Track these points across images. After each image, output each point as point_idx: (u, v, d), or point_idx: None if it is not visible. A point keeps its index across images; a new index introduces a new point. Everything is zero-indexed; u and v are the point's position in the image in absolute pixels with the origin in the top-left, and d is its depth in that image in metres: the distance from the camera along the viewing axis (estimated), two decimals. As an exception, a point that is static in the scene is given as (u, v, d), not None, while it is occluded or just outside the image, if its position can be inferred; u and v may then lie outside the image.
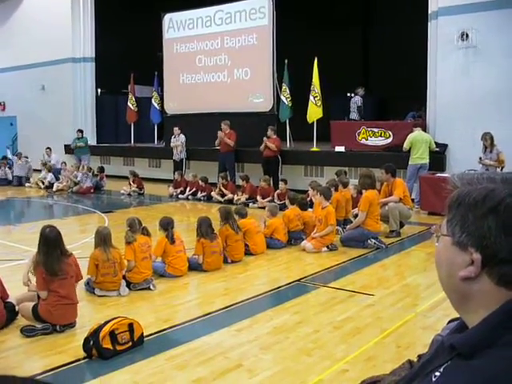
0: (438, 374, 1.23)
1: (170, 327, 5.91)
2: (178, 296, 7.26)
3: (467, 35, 13.20)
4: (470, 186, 1.29)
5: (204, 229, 8.24)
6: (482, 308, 1.23)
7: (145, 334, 5.49)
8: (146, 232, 7.68)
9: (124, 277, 7.19)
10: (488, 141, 11.98)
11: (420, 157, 13.14)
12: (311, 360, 5.06)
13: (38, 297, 5.81)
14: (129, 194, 16.59)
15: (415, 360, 1.78)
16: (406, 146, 13.24)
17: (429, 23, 14.39)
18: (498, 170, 11.91)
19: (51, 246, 5.81)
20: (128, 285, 7.17)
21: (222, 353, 5.21)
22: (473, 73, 13.37)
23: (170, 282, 7.60)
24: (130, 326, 5.28)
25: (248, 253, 8.97)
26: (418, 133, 13.35)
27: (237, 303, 6.70)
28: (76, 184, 17.29)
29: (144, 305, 6.74)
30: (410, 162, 13.27)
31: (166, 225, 8.01)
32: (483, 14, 13.11)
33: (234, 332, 5.78)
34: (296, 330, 5.77)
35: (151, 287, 7.27)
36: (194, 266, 8.09)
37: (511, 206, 1.21)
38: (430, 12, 14.31)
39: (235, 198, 14.46)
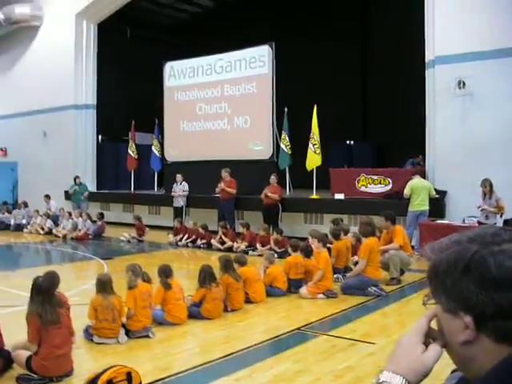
0: None
1: (169, 376, 5.81)
2: (177, 344, 7.17)
3: (464, 83, 13.38)
4: (441, 254, 1.32)
5: (206, 276, 8.21)
6: (486, 368, 1.23)
7: (143, 383, 5.40)
8: (146, 278, 7.63)
9: (123, 324, 7.12)
10: (487, 187, 12.01)
11: (420, 203, 13.16)
12: (312, 410, 4.98)
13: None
14: (128, 241, 16.55)
15: None
16: (406, 192, 13.27)
17: (426, 71, 14.61)
18: (498, 216, 11.93)
19: (45, 294, 5.73)
20: (127, 332, 7.09)
21: (222, 402, 5.13)
22: (470, 120, 13.50)
23: (169, 330, 7.51)
24: (129, 374, 5.20)
25: (248, 301, 8.90)
26: (417, 180, 13.41)
27: (236, 352, 6.60)
28: (75, 230, 17.25)
29: (143, 353, 6.65)
30: (409, 209, 13.29)
31: (163, 272, 7.99)
32: (479, 62, 13.32)
33: (233, 381, 5.69)
34: (296, 379, 5.68)
35: (150, 335, 7.19)
36: (194, 314, 8.02)
37: (480, 262, 1.23)
38: (427, 60, 14.53)
39: (235, 245, 14.42)
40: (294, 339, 7.14)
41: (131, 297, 7.27)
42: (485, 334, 1.22)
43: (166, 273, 7.98)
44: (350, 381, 5.65)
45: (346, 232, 11.58)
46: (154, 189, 20.85)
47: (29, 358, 5.64)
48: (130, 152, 20.90)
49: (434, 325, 1.38)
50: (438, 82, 14.04)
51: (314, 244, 9.96)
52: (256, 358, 6.41)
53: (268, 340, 7.14)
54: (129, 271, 7.48)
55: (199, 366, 6.14)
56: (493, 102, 13.17)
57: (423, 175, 14.27)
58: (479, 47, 13.29)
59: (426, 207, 13.21)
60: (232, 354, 6.54)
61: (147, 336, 7.17)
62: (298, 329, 7.55)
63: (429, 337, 1.38)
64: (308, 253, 10.00)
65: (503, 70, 13.15)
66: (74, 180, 20.03)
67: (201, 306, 8.08)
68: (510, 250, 1.23)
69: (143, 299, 7.34)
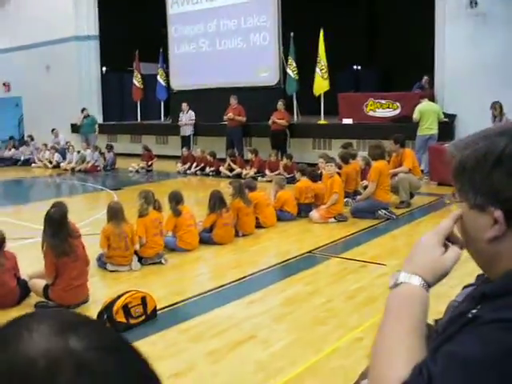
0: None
1: (183, 300, 5.91)
2: (190, 269, 7.27)
3: (476, 2, 13.02)
4: (467, 151, 1.30)
5: (216, 202, 8.23)
6: None
7: (158, 308, 5.49)
8: (158, 206, 7.65)
9: (135, 252, 7.19)
10: (497, 109, 11.86)
11: (429, 127, 13.01)
12: (325, 329, 5.06)
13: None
14: (137, 171, 16.58)
15: (432, 324, 1.76)
16: (415, 116, 13.08)
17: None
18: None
19: (57, 226, 5.76)
20: (140, 259, 7.17)
21: (235, 325, 5.21)
22: (482, 41, 13.17)
23: (181, 256, 7.59)
24: (143, 299, 5.28)
25: (258, 226, 8.95)
26: (426, 103, 13.21)
27: (248, 275, 6.68)
28: (83, 162, 17.26)
29: (156, 279, 6.74)
30: (418, 133, 13.13)
31: (173, 199, 8.00)
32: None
33: (246, 304, 5.78)
34: (308, 301, 5.76)
35: (163, 261, 7.27)
36: (206, 240, 8.09)
37: None
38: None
39: (244, 172, 14.41)
40: (305, 262, 7.20)
41: (142, 225, 7.31)
42: None
43: (176, 199, 7.97)
44: (362, 301, 5.71)
45: (355, 156, 11.52)
46: (160, 118, 20.71)
47: (46, 287, 5.73)
48: (135, 82, 20.64)
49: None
50: (448, 0, 13.67)
51: (325, 166, 9.90)
52: (268, 282, 6.50)
53: (279, 263, 7.22)
54: (141, 198, 7.47)
55: (212, 290, 6.22)
56: (505, 23, 12.82)
57: (432, 98, 14.08)
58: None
59: (435, 131, 13.05)
60: (244, 277, 6.62)
61: (160, 262, 7.25)
62: (309, 252, 7.62)
63: (448, 240, 1.36)
64: (315, 177, 9.99)
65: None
66: (82, 112, 19.88)
67: (212, 232, 8.14)
68: None
69: (154, 226, 7.39)
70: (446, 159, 1.37)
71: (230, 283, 6.44)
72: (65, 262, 5.67)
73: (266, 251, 8.05)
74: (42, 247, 5.83)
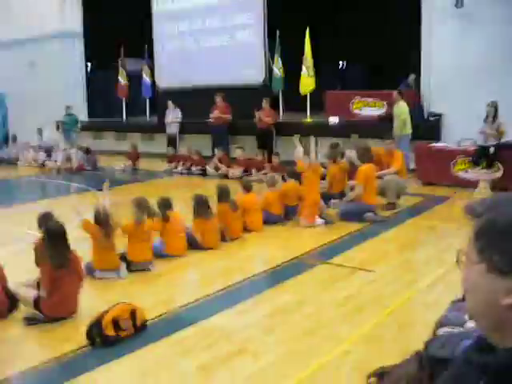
0: None
1: (172, 310, 5.91)
2: (178, 277, 7.28)
3: (462, 2, 13.07)
4: (494, 212, 1.26)
5: (200, 207, 8.24)
6: None
7: (147, 318, 5.48)
8: (151, 213, 7.64)
9: (124, 258, 7.17)
10: (492, 109, 11.73)
11: (410, 126, 13.03)
12: (315, 341, 5.08)
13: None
14: (123, 170, 16.49)
15: (422, 348, 1.77)
16: (405, 117, 13.03)
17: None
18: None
19: (57, 238, 5.74)
20: (128, 266, 7.14)
21: (226, 336, 5.23)
22: (467, 41, 13.24)
23: (169, 263, 7.57)
24: (133, 312, 5.27)
25: (245, 229, 8.94)
26: (403, 103, 13.16)
27: (237, 283, 6.68)
28: (68, 161, 17.12)
29: (144, 287, 6.72)
30: (404, 132, 13.11)
31: (162, 205, 7.99)
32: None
33: (235, 314, 5.80)
34: (298, 310, 5.79)
35: (150, 268, 7.26)
36: (193, 245, 8.06)
37: None
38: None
39: (230, 171, 14.38)
40: (293, 269, 7.19)
41: (131, 229, 7.28)
42: None
43: (165, 205, 7.99)
44: (351, 310, 5.75)
45: (342, 155, 11.52)
46: (146, 116, 20.60)
47: (37, 299, 5.68)
48: (120, 79, 20.53)
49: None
50: (435, 0, 13.76)
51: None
52: (257, 290, 6.52)
53: (268, 270, 7.22)
54: (135, 206, 7.43)
55: (201, 299, 6.22)
56: (491, 23, 12.89)
57: (418, 97, 14.14)
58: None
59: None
60: (232, 285, 6.61)
61: (148, 269, 7.23)
62: (297, 258, 7.62)
63: None
64: (297, 177, 9.90)
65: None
66: (68, 108, 19.70)
67: (198, 237, 8.12)
68: None
69: (144, 232, 7.36)
70: (466, 215, 1.32)
71: (218, 291, 6.44)
72: (62, 275, 5.64)
73: (254, 257, 8.05)
74: (36, 258, 5.80)
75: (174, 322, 5.64)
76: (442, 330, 3.17)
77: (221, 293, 6.40)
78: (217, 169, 14.80)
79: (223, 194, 8.73)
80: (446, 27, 13.57)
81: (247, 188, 9.32)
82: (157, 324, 5.57)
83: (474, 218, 1.30)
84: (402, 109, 13.02)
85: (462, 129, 12.42)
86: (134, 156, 16.87)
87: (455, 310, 3.65)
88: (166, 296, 6.38)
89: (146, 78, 19.99)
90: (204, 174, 14.94)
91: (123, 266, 7.07)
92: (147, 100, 20.38)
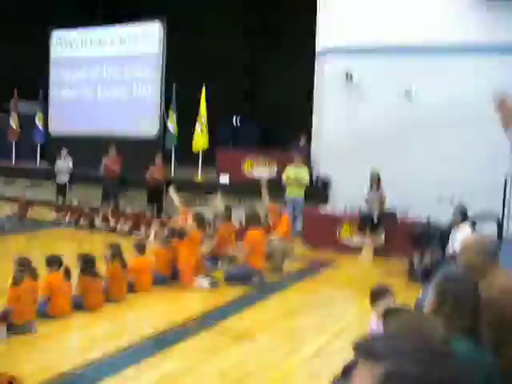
0: None
1: (52, 377, 5.78)
2: (61, 340, 7.12)
3: (351, 76, 13.92)
4: (399, 358, 1.22)
5: (86, 266, 8.17)
6: None
7: (26, 386, 5.36)
8: (33, 274, 7.47)
9: (4, 318, 6.96)
10: (375, 180, 12.34)
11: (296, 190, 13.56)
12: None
13: None
14: (9, 218, 15.88)
15: None
16: (284, 179, 13.54)
17: (316, 61, 15.01)
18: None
19: None
20: (8, 328, 6.93)
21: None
22: (357, 112, 14.06)
23: (53, 324, 7.41)
24: (10, 383, 5.15)
25: (131, 290, 8.89)
26: (295, 166, 13.64)
27: (122, 349, 6.63)
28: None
29: (24, 351, 6.51)
30: (300, 196, 13.52)
31: (51, 262, 7.87)
32: (365, 56, 13.88)
33: (122, 380, 5.74)
34: (182, 380, 5.81)
35: (32, 330, 7.08)
36: (77, 305, 7.94)
37: None
38: (318, 50, 14.92)
39: (118, 226, 14.26)
40: (178, 334, 7.20)
41: (15, 293, 7.10)
42: None
43: (53, 263, 7.86)
44: (235, 380, 5.83)
45: (230, 218, 11.79)
46: (36, 161, 20.13)
47: None
48: (11, 123, 20.05)
49: None
50: (327, 72, 14.52)
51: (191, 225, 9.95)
52: (142, 356, 6.44)
53: (153, 335, 7.20)
54: (16, 265, 7.27)
55: (84, 365, 6.12)
56: (377, 96, 13.79)
57: (308, 160, 14.70)
58: (366, 43, 13.86)
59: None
60: (117, 351, 6.56)
61: (29, 331, 7.05)
62: (182, 324, 7.64)
63: None
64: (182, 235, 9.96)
65: (388, 65, 13.80)
66: None
67: (82, 297, 8.02)
68: None
69: (28, 294, 7.20)
70: (359, 354, 1.25)
71: (102, 356, 6.36)
72: None
73: (140, 321, 8.00)
74: None
75: (54, 392, 5.53)
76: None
77: (106, 358, 6.32)
78: (105, 222, 14.63)
79: (116, 252, 8.70)
80: (336, 97, 14.33)
81: (140, 249, 9.31)
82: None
83: (372, 361, 1.23)
84: (305, 173, 13.54)
85: (350, 194, 12.97)
86: (23, 206, 16.26)
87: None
88: (47, 362, 6.21)
89: (39, 124, 19.63)
90: (92, 226, 14.71)
91: (3, 328, 6.85)
92: (38, 145, 19.97)
